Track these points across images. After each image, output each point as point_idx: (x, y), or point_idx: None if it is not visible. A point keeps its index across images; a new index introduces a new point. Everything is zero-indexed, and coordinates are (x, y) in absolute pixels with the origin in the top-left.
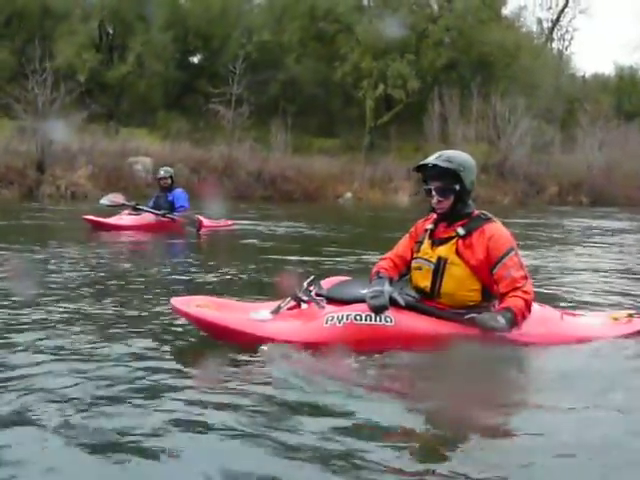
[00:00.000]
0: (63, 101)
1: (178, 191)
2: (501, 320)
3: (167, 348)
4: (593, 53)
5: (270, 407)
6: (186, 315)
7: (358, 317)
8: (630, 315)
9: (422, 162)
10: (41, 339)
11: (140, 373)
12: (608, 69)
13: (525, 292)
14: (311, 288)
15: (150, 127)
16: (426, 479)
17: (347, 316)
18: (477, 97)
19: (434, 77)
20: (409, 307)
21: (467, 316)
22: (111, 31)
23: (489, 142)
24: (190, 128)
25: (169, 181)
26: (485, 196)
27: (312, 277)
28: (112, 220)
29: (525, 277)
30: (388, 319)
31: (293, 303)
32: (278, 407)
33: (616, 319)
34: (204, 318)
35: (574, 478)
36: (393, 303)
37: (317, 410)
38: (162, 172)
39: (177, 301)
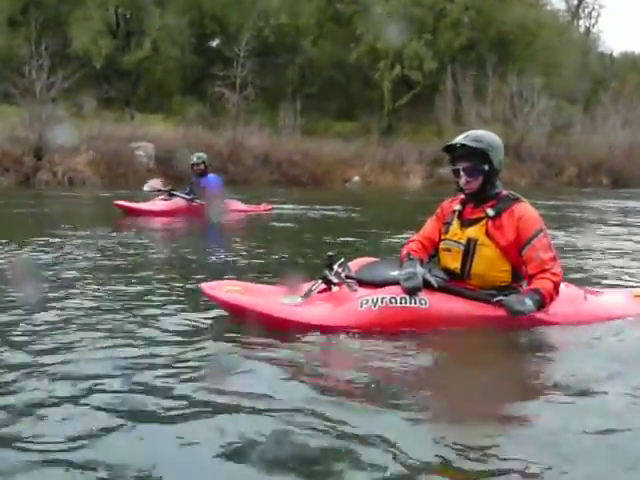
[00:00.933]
0: (61, 86)
1: (211, 177)
2: (528, 303)
3: (198, 333)
4: (623, 31)
5: (304, 395)
6: (217, 299)
7: (393, 300)
8: None
9: (450, 142)
10: (68, 324)
11: (167, 358)
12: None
13: (554, 274)
14: (340, 270)
15: (166, 113)
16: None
17: (382, 299)
18: (493, 77)
19: (452, 57)
20: (441, 289)
21: (496, 298)
22: (128, 16)
23: (505, 123)
24: (207, 113)
25: (202, 167)
26: (502, 177)
27: (342, 259)
28: (144, 206)
29: (554, 259)
30: (423, 301)
31: (323, 286)
32: (313, 396)
33: (638, 296)
34: (236, 303)
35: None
36: (426, 285)
37: (355, 400)
38: (195, 158)
39: (207, 286)
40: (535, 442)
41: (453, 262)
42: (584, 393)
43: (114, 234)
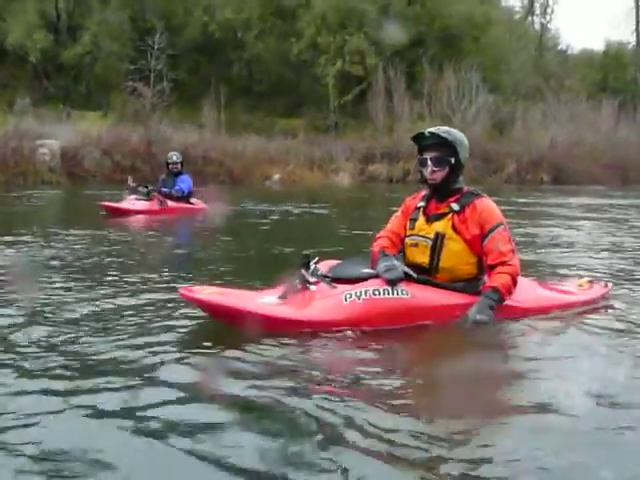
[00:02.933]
0: None
1: (185, 176)
2: (488, 312)
3: (176, 336)
4: (584, 29)
5: (288, 393)
6: (199, 301)
7: (377, 292)
8: (590, 281)
9: (420, 131)
10: (42, 333)
11: (148, 360)
12: (598, 45)
13: (511, 266)
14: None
15: (105, 110)
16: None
17: (366, 292)
18: (433, 72)
19: (397, 53)
20: (419, 281)
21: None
22: (68, 10)
23: (443, 119)
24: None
25: (179, 166)
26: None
27: (317, 258)
28: (126, 205)
29: (512, 251)
30: (404, 292)
31: (300, 286)
32: (298, 393)
33: (581, 286)
34: (220, 303)
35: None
36: (405, 277)
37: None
38: (174, 157)
39: (186, 289)
40: (514, 433)
41: (421, 257)
42: (540, 380)
43: (86, 235)
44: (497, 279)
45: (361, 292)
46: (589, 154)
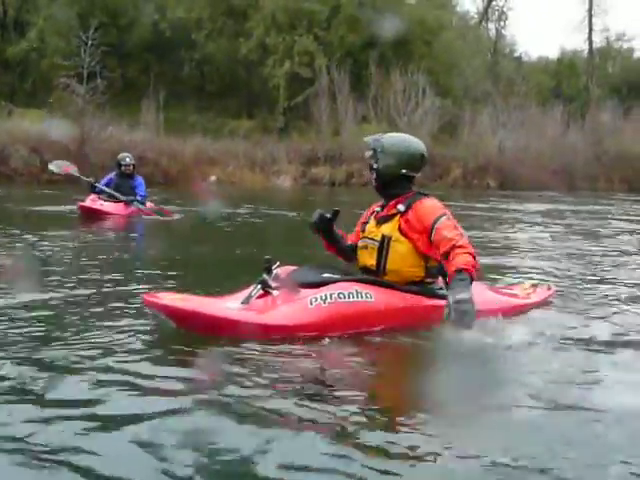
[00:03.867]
0: None
1: (140, 179)
2: (465, 296)
3: (141, 345)
4: (541, 37)
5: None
6: (163, 307)
7: (342, 295)
8: (534, 285)
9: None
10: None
11: (107, 366)
12: (555, 53)
13: (462, 246)
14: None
15: (49, 108)
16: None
17: (330, 295)
18: (378, 75)
19: (350, 55)
20: (382, 284)
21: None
22: (15, 6)
23: (389, 122)
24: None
25: (132, 168)
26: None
27: (277, 262)
28: (96, 206)
29: (461, 235)
30: (368, 295)
31: (262, 292)
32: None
33: (526, 289)
34: (184, 309)
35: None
36: (323, 221)
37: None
38: (128, 159)
39: (149, 295)
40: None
41: (369, 259)
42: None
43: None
44: (455, 262)
45: (326, 295)
46: (536, 160)
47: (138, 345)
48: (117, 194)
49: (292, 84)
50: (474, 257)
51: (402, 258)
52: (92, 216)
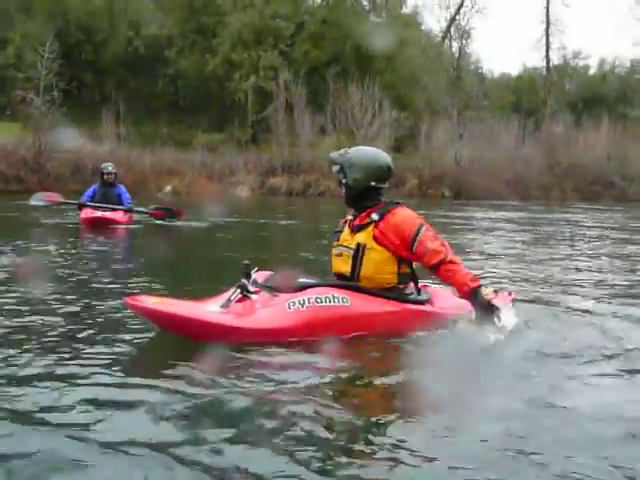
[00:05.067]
0: None
1: (122, 187)
2: (490, 313)
3: (125, 348)
4: (504, 55)
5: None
6: (144, 310)
7: (319, 299)
8: (495, 291)
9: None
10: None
11: (103, 376)
12: (517, 70)
13: (452, 262)
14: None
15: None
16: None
17: (308, 299)
18: (337, 88)
19: (313, 69)
20: (358, 289)
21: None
22: None
23: (347, 134)
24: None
25: (113, 177)
26: (336, 189)
27: (256, 267)
28: (99, 214)
29: (443, 244)
30: (345, 300)
31: (241, 296)
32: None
33: (487, 295)
34: (166, 311)
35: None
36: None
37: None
38: (110, 168)
39: (131, 299)
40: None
41: (344, 266)
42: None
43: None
44: (457, 279)
45: (304, 300)
46: (491, 170)
47: (119, 349)
48: (111, 205)
49: (259, 98)
50: (464, 267)
51: (376, 265)
52: (95, 226)
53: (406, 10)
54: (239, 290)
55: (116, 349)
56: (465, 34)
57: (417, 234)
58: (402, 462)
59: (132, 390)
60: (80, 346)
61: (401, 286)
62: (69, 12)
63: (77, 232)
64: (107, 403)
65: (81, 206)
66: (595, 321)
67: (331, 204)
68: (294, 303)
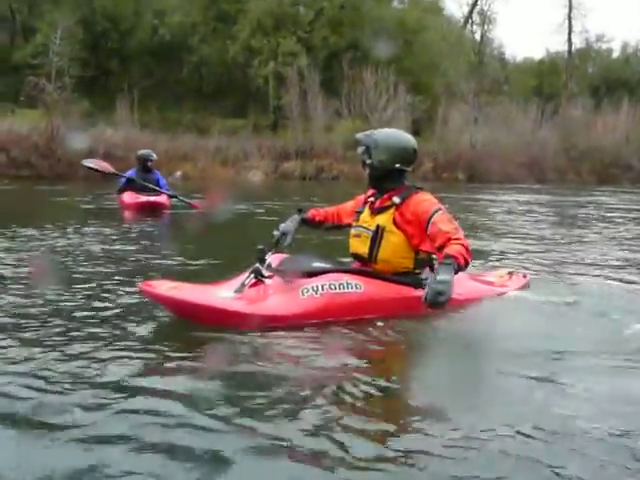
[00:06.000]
0: None
1: (158, 173)
2: (447, 292)
3: (140, 332)
4: (529, 39)
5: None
6: (158, 297)
7: (333, 286)
8: (510, 273)
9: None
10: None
11: (121, 359)
12: (541, 54)
13: (457, 239)
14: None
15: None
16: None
17: (322, 286)
18: (354, 72)
19: (334, 56)
20: (371, 275)
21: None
22: (22, 12)
23: (362, 118)
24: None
25: (150, 163)
26: (350, 172)
27: (272, 251)
28: (151, 198)
29: (456, 229)
30: (358, 286)
31: (255, 280)
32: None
33: (502, 277)
34: (180, 298)
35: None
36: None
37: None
38: (154, 155)
39: (146, 284)
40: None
41: (362, 247)
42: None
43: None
44: (449, 250)
45: (318, 286)
46: (506, 154)
47: (137, 333)
48: (157, 188)
49: (282, 84)
50: (467, 250)
51: (394, 249)
52: (142, 210)
53: None
54: (253, 275)
55: (130, 333)
56: (487, 19)
57: (432, 215)
58: (409, 460)
59: (146, 377)
60: (98, 330)
61: (417, 271)
62: (95, 1)
63: (121, 215)
64: (117, 388)
65: (121, 190)
66: (611, 306)
67: (346, 186)
68: (307, 290)
